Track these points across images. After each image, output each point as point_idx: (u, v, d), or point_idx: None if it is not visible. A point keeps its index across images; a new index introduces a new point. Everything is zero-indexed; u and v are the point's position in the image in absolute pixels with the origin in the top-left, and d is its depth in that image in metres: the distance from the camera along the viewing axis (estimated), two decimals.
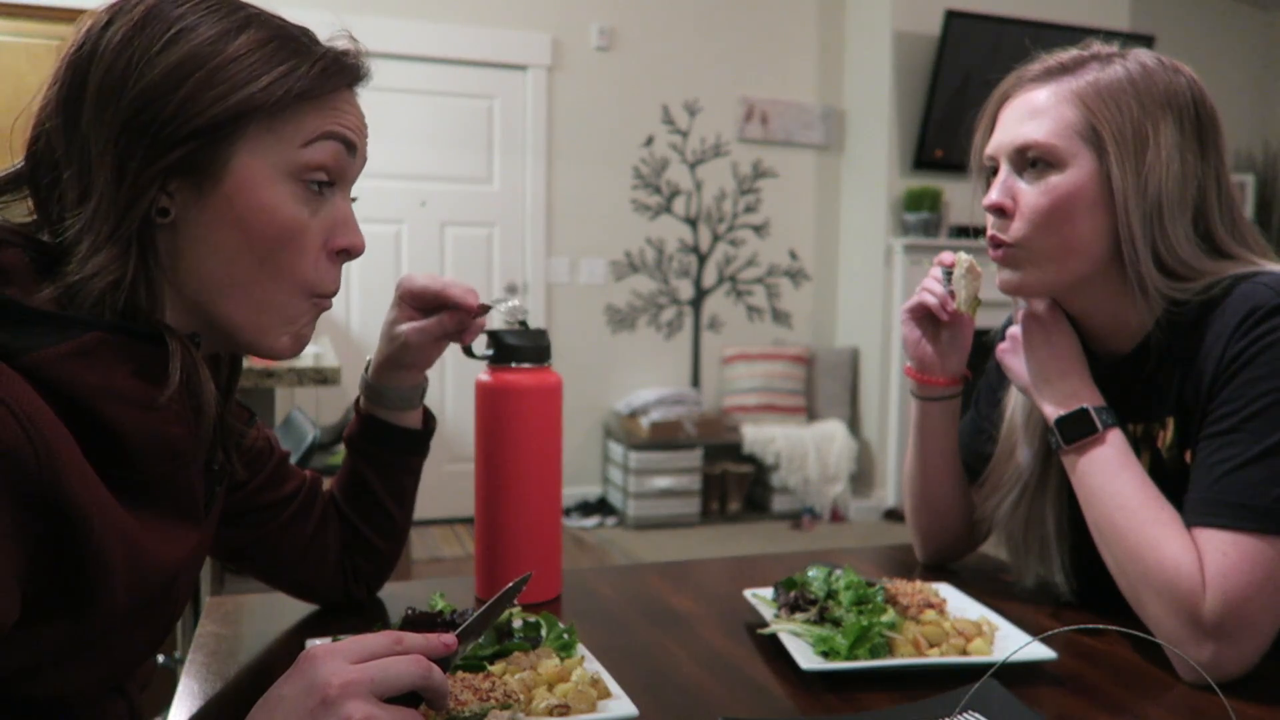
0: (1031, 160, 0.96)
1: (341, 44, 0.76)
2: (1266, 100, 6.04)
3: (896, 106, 4.79)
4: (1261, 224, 5.72)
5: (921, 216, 4.70)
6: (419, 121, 4.52)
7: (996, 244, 0.99)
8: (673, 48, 4.88)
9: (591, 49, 4.75)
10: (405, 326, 0.96)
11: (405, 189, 4.53)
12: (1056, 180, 0.94)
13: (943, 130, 4.73)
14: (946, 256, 1.10)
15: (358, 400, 1.03)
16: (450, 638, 0.69)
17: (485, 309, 0.96)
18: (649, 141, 4.89)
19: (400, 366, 0.99)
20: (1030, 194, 0.96)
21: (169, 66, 0.67)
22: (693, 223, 5.01)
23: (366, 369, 1.01)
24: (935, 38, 4.67)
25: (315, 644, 0.73)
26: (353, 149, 0.75)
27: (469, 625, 0.74)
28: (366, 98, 0.81)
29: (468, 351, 1.04)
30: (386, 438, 1.01)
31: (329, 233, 0.75)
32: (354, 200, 0.79)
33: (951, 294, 1.10)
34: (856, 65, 5.03)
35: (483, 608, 0.76)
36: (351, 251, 0.77)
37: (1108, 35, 1.03)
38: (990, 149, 1.01)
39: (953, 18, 4.61)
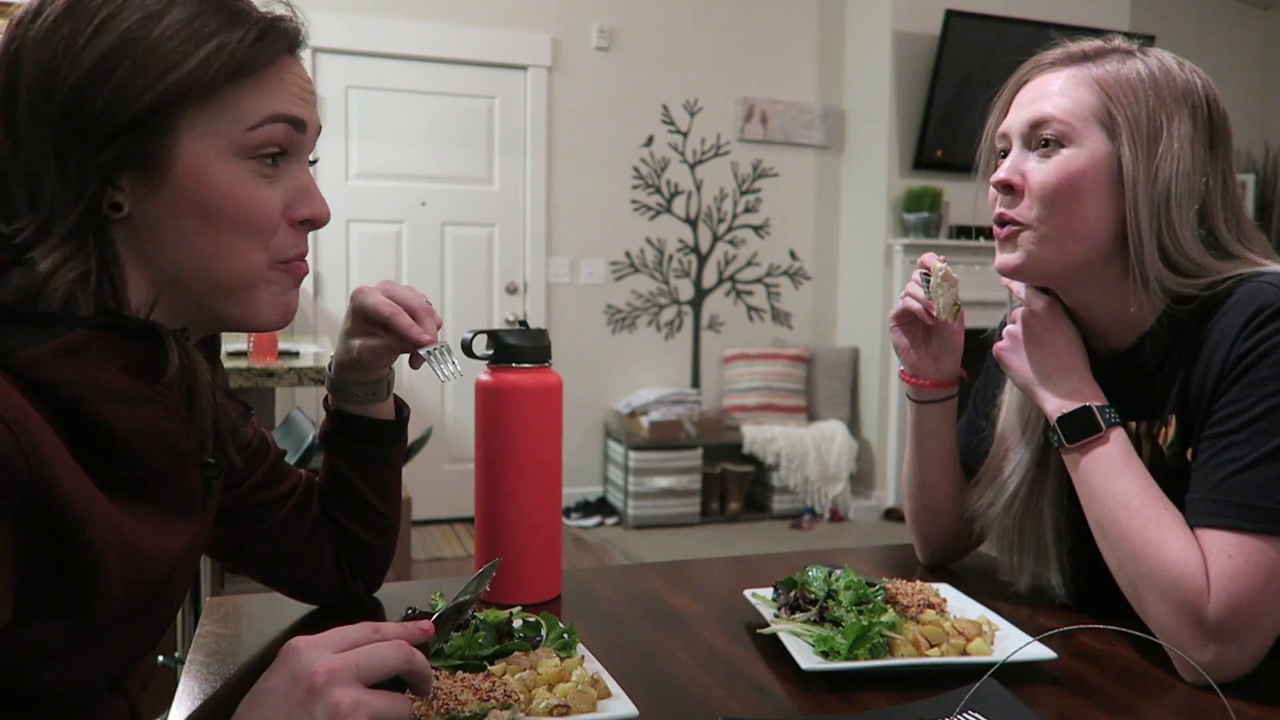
0: (1044, 139, 0.96)
1: (277, 9, 0.73)
2: (1266, 100, 6.04)
3: (896, 106, 4.78)
4: (1261, 224, 5.72)
5: (921, 216, 4.70)
6: (419, 121, 4.52)
7: (1001, 221, 0.99)
8: (673, 48, 4.88)
9: (591, 49, 4.75)
10: (356, 342, 0.95)
11: (405, 189, 4.53)
12: (1067, 156, 0.94)
13: (943, 130, 4.73)
14: (927, 258, 1.10)
15: (326, 398, 1.02)
16: (427, 624, 0.69)
17: (428, 344, 0.92)
18: (649, 141, 4.89)
19: (358, 369, 0.98)
20: (1039, 171, 0.95)
21: (96, 58, 0.65)
22: (693, 223, 5.01)
23: (329, 367, 1.00)
24: (935, 38, 4.67)
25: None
26: (301, 125, 0.73)
27: (444, 613, 0.74)
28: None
29: (468, 351, 1.04)
30: (358, 432, 1.00)
31: (289, 205, 0.74)
32: (314, 162, 0.78)
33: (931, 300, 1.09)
34: (856, 65, 5.03)
35: (456, 595, 0.77)
36: (315, 221, 0.76)
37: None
38: (1003, 128, 1.00)
39: (953, 18, 4.61)
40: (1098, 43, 0.99)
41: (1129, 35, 1.03)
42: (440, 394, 4.60)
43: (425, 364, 0.93)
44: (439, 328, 0.94)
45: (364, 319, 0.94)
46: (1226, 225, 0.95)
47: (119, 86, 0.65)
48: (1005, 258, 0.99)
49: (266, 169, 0.72)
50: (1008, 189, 0.98)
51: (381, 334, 0.94)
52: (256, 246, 0.72)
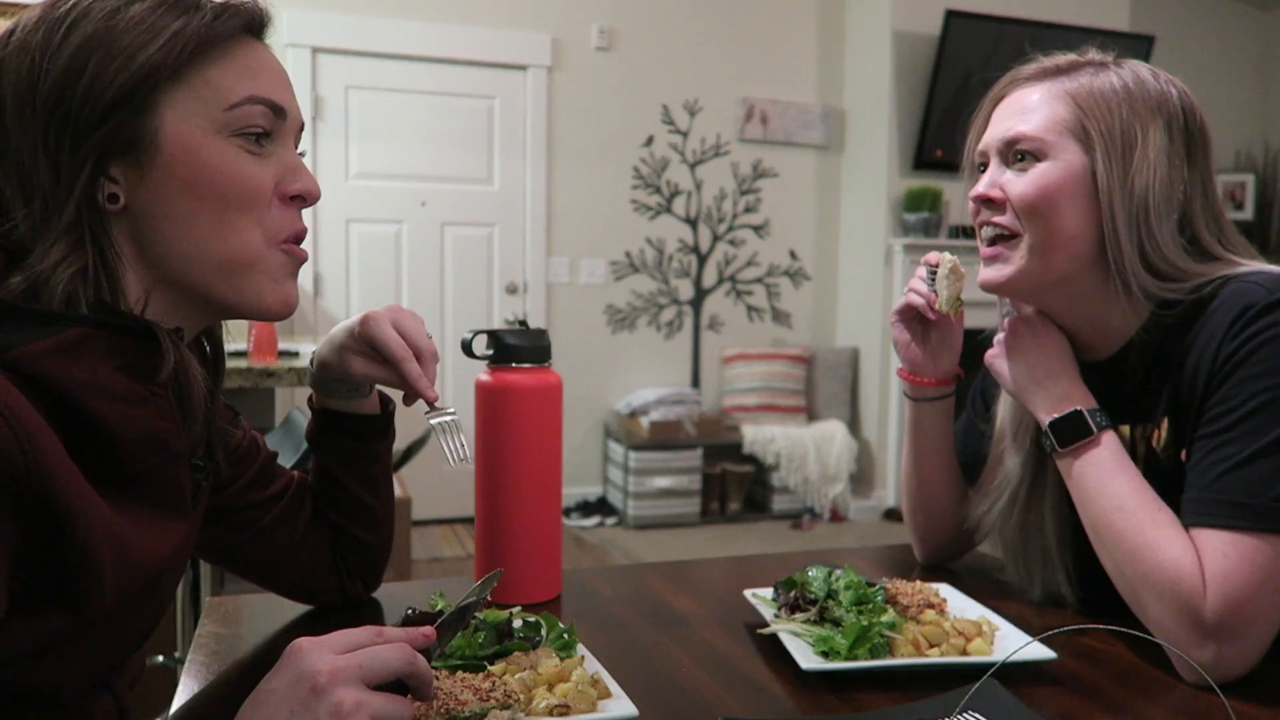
0: (1019, 153, 0.97)
1: None
2: (1266, 100, 6.04)
3: (896, 106, 4.78)
4: (1262, 224, 5.72)
5: (921, 216, 4.70)
6: (419, 121, 4.52)
7: (991, 237, 1.00)
8: (673, 48, 4.88)
9: (591, 49, 4.75)
10: (358, 366, 0.94)
11: (405, 189, 4.53)
12: (1043, 169, 0.95)
13: (942, 130, 4.73)
14: (933, 256, 1.11)
15: (310, 397, 1.02)
16: (429, 630, 0.70)
17: (430, 404, 0.92)
18: (649, 141, 4.89)
19: (344, 376, 0.97)
20: (1016, 184, 0.97)
21: (71, 55, 0.68)
22: (693, 223, 5.01)
23: (312, 363, 0.99)
24: (935, 38, 4.67)
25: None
26: (281, 111, 0.75)
27: (447, 619, 0.75)
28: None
29: (468, 351, 1.04)
30: (344, 429, 1.00)
31: (280, 181, 0.76)
32: (302, 155, 0.80)
33: (935, 294, 1.10)
34: (856, 65, 5.03)
35: (459, 602, 0.77)
36: (307, 198, 0.78)
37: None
38: (981, 145, 1.02)
39: (953, 18, 4.61)
40: (1072, 56, 1.01)
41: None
42: (439, 394, 4.60)
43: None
44: (435, 361, 0.94)
45: (369, 345, 0.93)
46: (1209, 232, 0.96)
47: (95, 75, 0.68)
48: (988, 274, 1.00)
49: (253, 147, 0.74)
50: (989, 203, 0.99)
51: (384, 365, 0.93)
52: (252, 222, 0.74)
